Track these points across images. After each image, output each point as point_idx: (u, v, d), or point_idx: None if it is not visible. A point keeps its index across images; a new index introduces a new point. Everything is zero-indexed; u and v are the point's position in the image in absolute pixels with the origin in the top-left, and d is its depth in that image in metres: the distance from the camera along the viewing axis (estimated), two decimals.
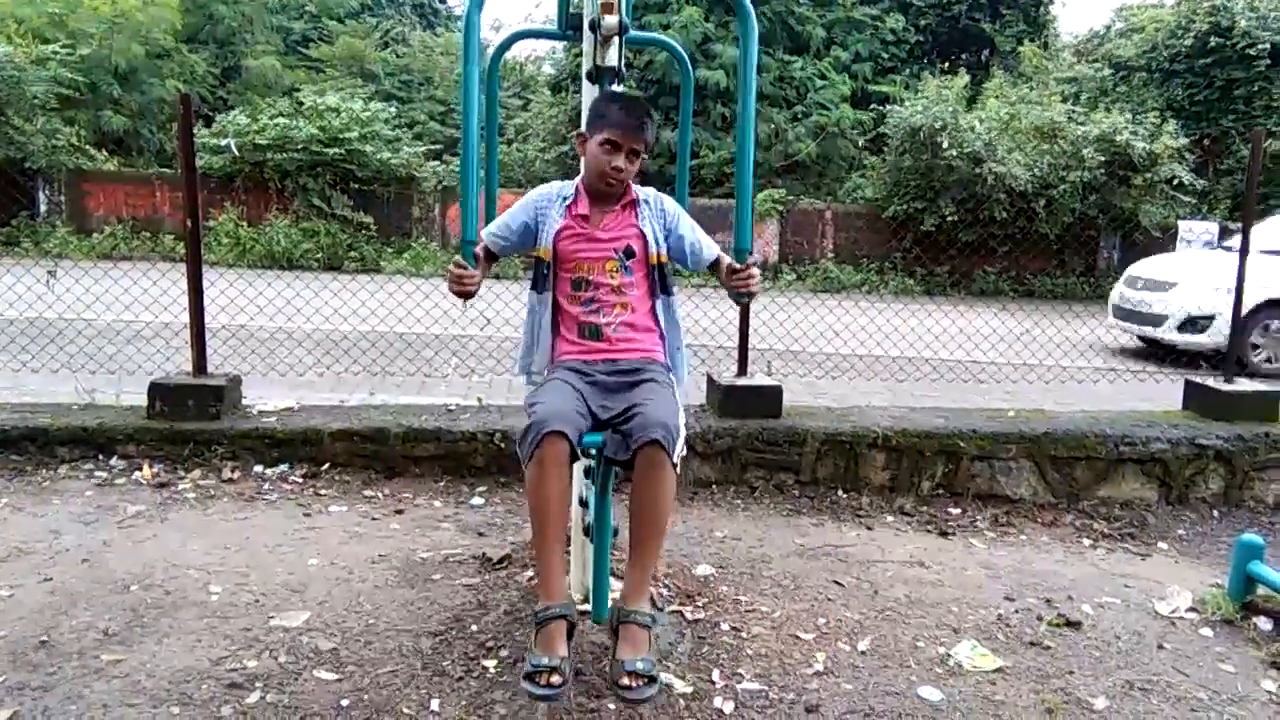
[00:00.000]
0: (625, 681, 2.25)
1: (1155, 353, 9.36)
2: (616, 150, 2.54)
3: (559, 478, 2.30)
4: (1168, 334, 8.94)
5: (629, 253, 2.60)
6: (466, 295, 2.49)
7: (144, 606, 3.00)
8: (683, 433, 2.38)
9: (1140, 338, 9.70)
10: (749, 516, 4.28)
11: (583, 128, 2.72)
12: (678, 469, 2.35)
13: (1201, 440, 4.81)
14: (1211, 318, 8.65)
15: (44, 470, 4.29)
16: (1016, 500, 4.68)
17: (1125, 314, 9.55)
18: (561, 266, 2.61)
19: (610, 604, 2.59)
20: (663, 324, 2.69)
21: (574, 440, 2.29)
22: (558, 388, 2.43)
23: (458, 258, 2.45)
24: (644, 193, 2.69)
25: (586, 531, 2.83)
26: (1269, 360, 8.65)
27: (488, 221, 3.14)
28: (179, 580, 3.22)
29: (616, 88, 2.90)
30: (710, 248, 2.73)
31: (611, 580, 2.92)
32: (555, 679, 2.21)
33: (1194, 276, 9.10)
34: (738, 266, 2.54)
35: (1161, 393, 6.27)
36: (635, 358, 2.58)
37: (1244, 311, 8.33)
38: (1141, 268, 10.05)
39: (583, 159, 2.68)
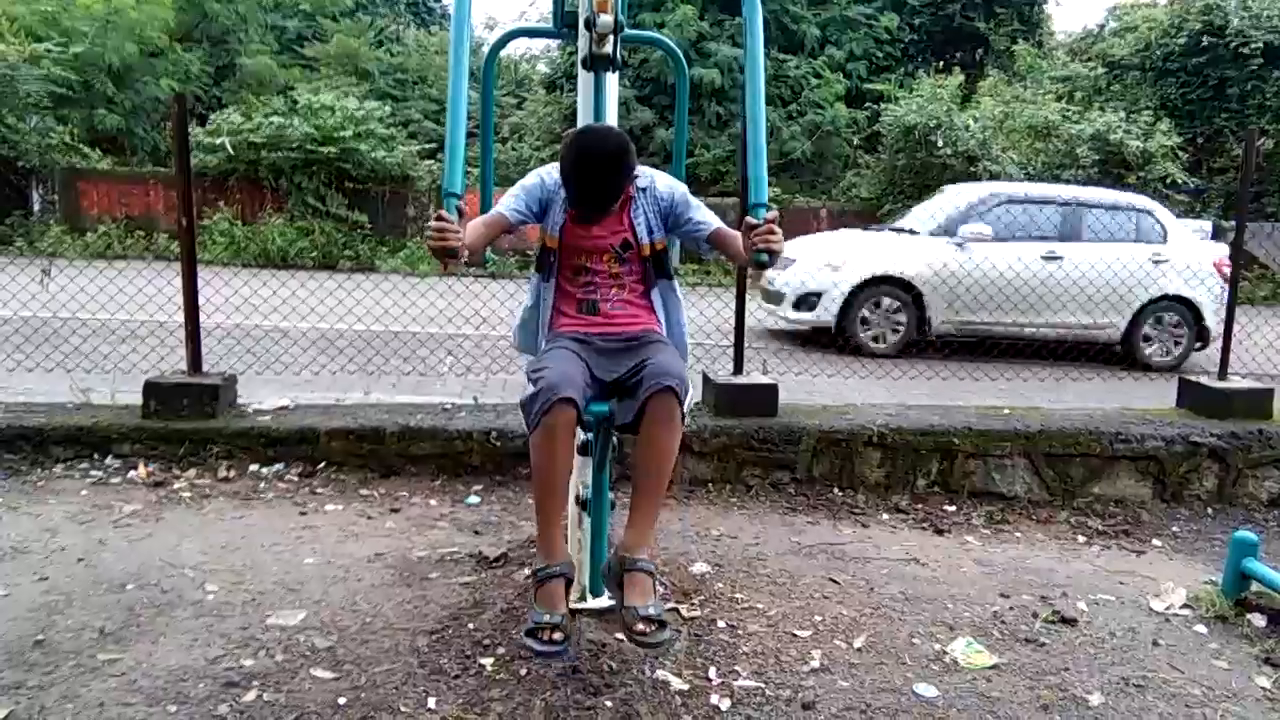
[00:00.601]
0: (640, 628, 2.30)
1: (810, 336, 9.09)
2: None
3: (566, 443, 2.34)
4: (787, 312, 8.70)
5: (625, 245, 2.65)
6: (448, 252, 2.20)
7: (140, 606, 3.00)
8: (690, 390, 2.41)
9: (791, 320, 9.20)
10: (745, 515, 4.28)
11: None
12: (685, 421, 2.38)
13: (1195, 438, 4.83)
14: (820, 294, 8.46)
15: (39, 470, 4.28)
16: (1011, 498, 4.69)
17: (764, 294, 9.26)
18: (563, 254, 2.67)
19: (611, 556, 2.60)
20: (661, 307, 2.72)
21: (580, 407, 2.32)
22: (562, 355, 2.46)
23: (440, 210, 2.22)
24: (642, 180, 2.69)
25: (583, 505, 2.84)
26: (876, 339, 8.41)
27: (483, 214, 3.13)
28: (175, 579, 3.21)
29: (610, 75, 2.89)
30: (708, 220, 2.65)
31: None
32: (557, 635, 2.28)
33: (809, 254, 8.88)
34: (755, 222, 2.31)
35: (1154, 391, 6.29)
36: (635, 329, 2.62)
37: (850, 287, 8.37)
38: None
39: None
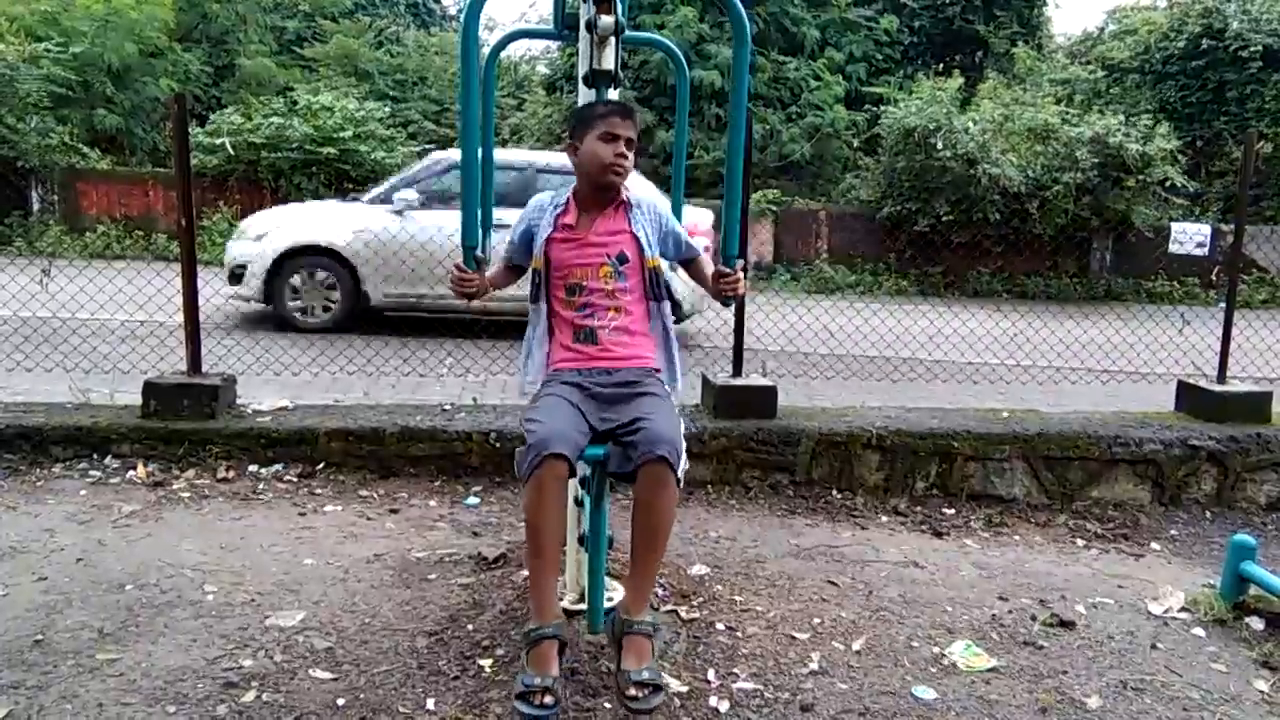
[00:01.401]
0: (632, 692, 2.25)
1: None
2: (616, 140, 2.57)
3: (557, 498, 2.31)
4: (226, 285, 8.10)
5: (622, 258, 2.60)
6: (470, 297, 2.56)
7: (139, 606, 3.00)
8: (684, 453, 2.39)
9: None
10: (744, 517, 4.28)
11: (570, 137, 2.71)
12: (681, 484, 2.36)
13: (1194, 441, 4.83)
14: (245, 267, 7.97)
15: (38, 470, 4.28)
16: (1010, 501, 4.70)
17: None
18: (554, 273, 2.61)
19: (608, 611, 2.60)
20: (659, 331, 2.70)
21: (573, 460, 2.30)
22: (556, 405, 2.41)
23: (458, 261, 2.51)
24: (634, 197, 2.71)
25: (581, 540, 2.83)
26: (306, 312, 8.04)
27: (485, 221, 3.15)
28: (174, 579, 3.21)
29: (612, 93, 2.90)
30: (695, 246, 2.81)
31: (608, 580, 2.94)
32: (548, 699, 2.22)
33: (250, 226, 8.39)
34: (726, 271, 2.62)
35: (1153, 394, 6.29)
36: (633, 366, 2.57)
37: (272, 258, 7.83)
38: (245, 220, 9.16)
39: (576, 164, 2.67)
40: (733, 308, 5.01)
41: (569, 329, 2.61)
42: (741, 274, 2.65)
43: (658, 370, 2.65)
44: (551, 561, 2.37)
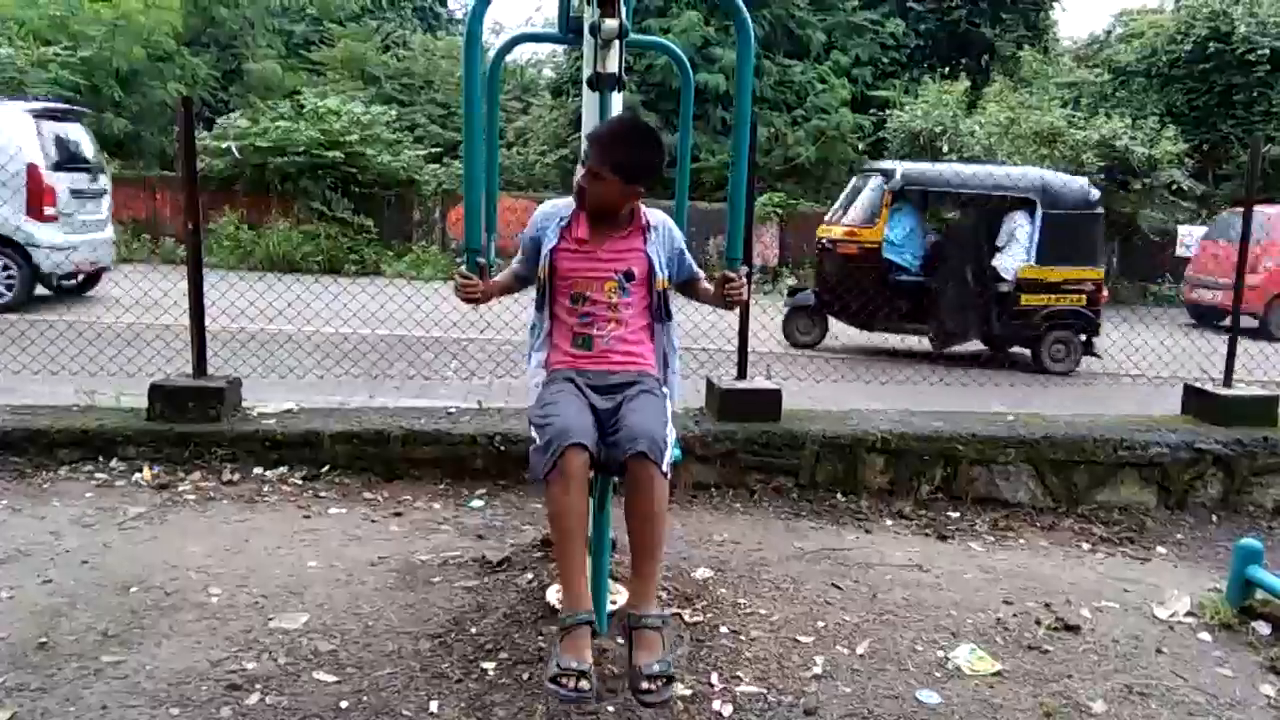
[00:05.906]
0: (645, 686, 2.24)
1: None
2: (588, 174, 2.59)
3: (580, 488, 2.33)
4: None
5: (629, 275, 2.62)
6: (474, 303, 2.60)
7: (144, 608, 3.01)
8: (671, 439, 2.39)
9: None
10: (748, 520, 4.28)
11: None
12: (668, 476, 2.36)
13: (1200, 445, 4.81)
14: None
15: (44, 472, 4.29)
16: (1015, 504, 4.68)
17: None
18: (560, 282, 2.63)
19: (611, 613, 2.60)
20: (659, 346, 2.71)
21: (592, 449, 2.31)
22: (564, 399, 2.43)
23: (462, 268, 2.52)
24: (654, 218, 2.73)
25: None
26: None
27: (489, 225, 3.16)
28: (179, 582, 3.22)
29: (615, 95, 2.91)
30: (694, 267, 2.84)
31: (610, 584, 2.94)
32: (584, 684, 2.22)
33: None
34: (731, 276, 2.65)
35: (1160, 397, 6.27)
36: (630, 369, 2.59)
37: None
38: None
39: None
40: (737, 311, 5.03)
41: (568, 334, 2.63)
42: (745, 279, 2.68)
43: (655, 376, 2.65)
44: (579, 550, 2.39)
